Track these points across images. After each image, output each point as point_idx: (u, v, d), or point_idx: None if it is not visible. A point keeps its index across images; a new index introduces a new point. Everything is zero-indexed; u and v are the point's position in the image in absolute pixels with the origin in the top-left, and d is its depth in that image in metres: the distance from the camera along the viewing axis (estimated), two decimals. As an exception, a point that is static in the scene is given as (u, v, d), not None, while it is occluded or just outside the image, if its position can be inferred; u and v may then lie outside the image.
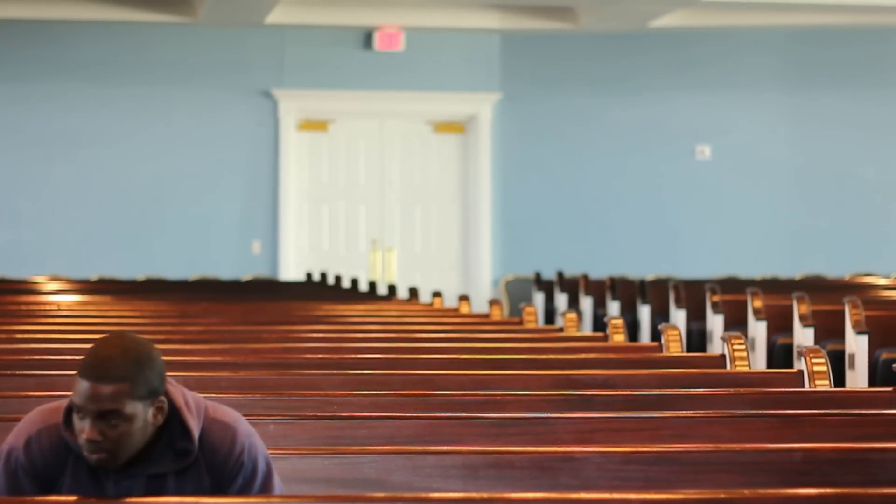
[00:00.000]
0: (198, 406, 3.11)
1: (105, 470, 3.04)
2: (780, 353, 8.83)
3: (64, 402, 3.10)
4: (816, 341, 8.21)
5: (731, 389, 4.58)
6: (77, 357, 5.08)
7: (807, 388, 4.75)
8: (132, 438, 2.99)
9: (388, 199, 14.47)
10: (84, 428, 2.98)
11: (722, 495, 3.14)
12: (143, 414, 2.99)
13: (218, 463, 3.08)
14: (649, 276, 12.97)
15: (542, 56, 14.39)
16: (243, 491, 3.10)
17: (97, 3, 13.26)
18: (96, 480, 3.05)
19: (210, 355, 5.52)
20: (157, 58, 13.92)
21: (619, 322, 6.40)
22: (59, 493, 3.05)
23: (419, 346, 6.06)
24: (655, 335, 10.13)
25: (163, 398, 3.03)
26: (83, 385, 2.97)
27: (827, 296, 9.26)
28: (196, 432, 3.06)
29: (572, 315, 7.09)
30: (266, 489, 3.14)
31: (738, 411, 4.12)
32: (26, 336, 6.40)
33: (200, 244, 13.97)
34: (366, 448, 3.56)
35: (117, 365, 2.97)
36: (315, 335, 6.57)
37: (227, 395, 4.32)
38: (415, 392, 4.48)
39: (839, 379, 7.59)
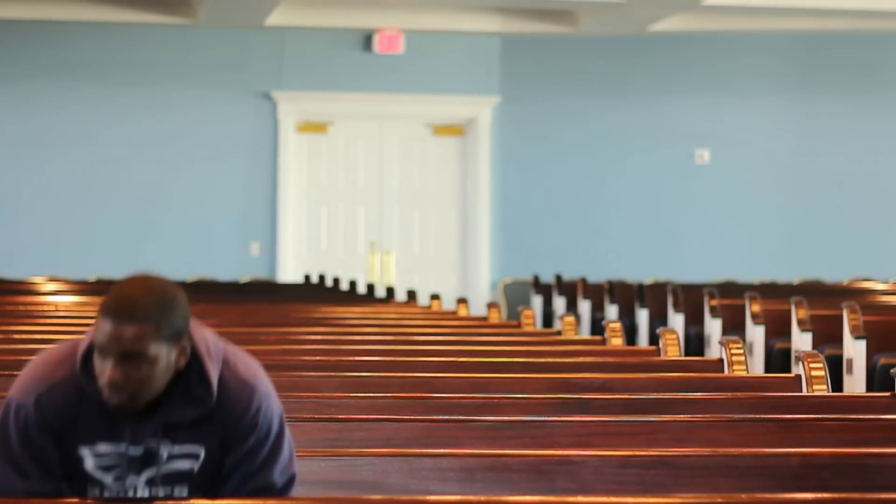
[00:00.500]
0: (217, 354, 3.03)
1: (121, 417, 2.98)
2: (778, 358, 8.83)
3: (69, 349, 3.03)
4: (814, 346, 8.22)
5: (729, 394, 4.58)
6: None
7: (804, 392, 4.75)
8: (154, 381, 2.92)
9: (386, 201, 14.47)
10: (105, 369, 2.90)
11: (719, 499, 3.14)
12: (166, 357, 2.91)
13: (232, 420, 3.02)
14: (648, 280, 12.97)
15: (541, 59, 14.40)
16: (254, 450, 3.05)
17: (97, 4, 13.26)
18: (111, 427, 3.00)
19: (208, 357, 5.50)
20: (156, 59, 13.92)
21: (617, 326, 6.39)
22: (72, 440, 2.99)
23: (417, 348, 6.06)
24: (653, 339, 10.14)
25: (186, 341, 2.96)
26: (106, 325, 2.88)
27: (825, 300, 9.26)
28: (215, 381, 2.99)
29: (570, 318, 7.09)
30: (277, 448, 3.08)
31: (736, 416, 4.13)
32: (24, 337, 6.40)
33: (199, 245, 13.97)
34: (363, 450, 3.56)
35: (142, 305, 2.89)
36: (313, 337, 6.57)
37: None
38: (412, 395, 4.48)
39: (837, 384, 7.59)
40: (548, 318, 12.77)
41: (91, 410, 3.00)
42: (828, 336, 8.25)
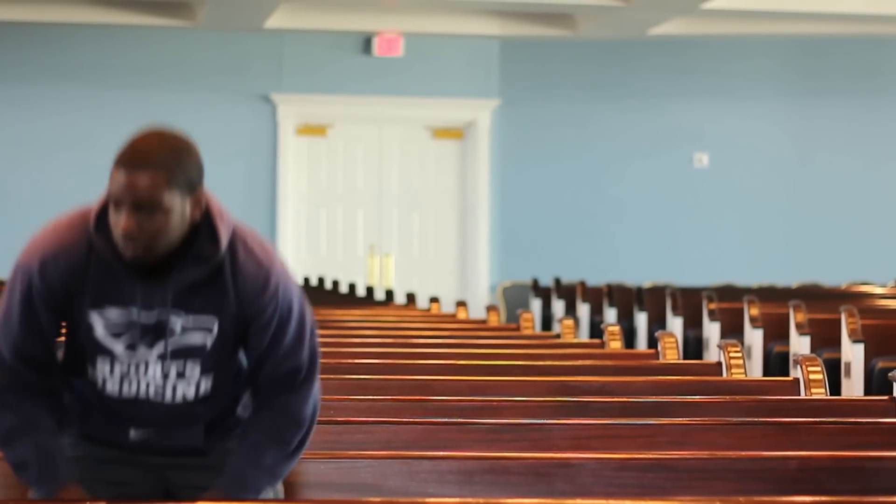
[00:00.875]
0: (228, 220, 3.02)
1: (131, 280, 2.96)
2: (777, 362, 8.84)
3: (79, 213, 3.03)
4: (812, 350, 8.22)
5: (728, 397, 4.59)
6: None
7: (803, 396, 4.76)
8: (169, 232, 2.90)
9: (386, 204, 14.48)
10: (120, 221, 2.89)
11: (717, 502, 3.15)
12: (180, 207, 2.90)
13: (251, 301, 3.00)
14: (646, 283, 12.98)
15: (540, 63, 14.41)
16: (279, 333, 3.04)
17: (97, 7, 13.27)
18: (121, 291, 2.97)
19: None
20: (156, 61, 13.93)
21: (616, 329, 6.41)
22: (80, 305, 2.98)
23: (416, 351, 6.07)
24: (652, 342, 10.15)
25: (201, 193, 2.94)
26: (120, 175, 2.89)
27: (823, 304, 9.27)
28: (224, 240, 2.97)
29: (569, 321, 7.10)
30: (301, 328, 3.07)
31: (734, 419, 4.13)
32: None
33: (198, 248, 13.95)
34: (362, 453, 3.56)
35: (154, 154, 2.88)
36: (312, 340, 6.56)
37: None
38: (412, 397, 4.48)
39: (835, 387, 7.60)
40: (547, 321, 12.78)
41: (100, 273, 2.98)
42: (826, 340, 8.25)
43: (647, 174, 14.45)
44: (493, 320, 8.22)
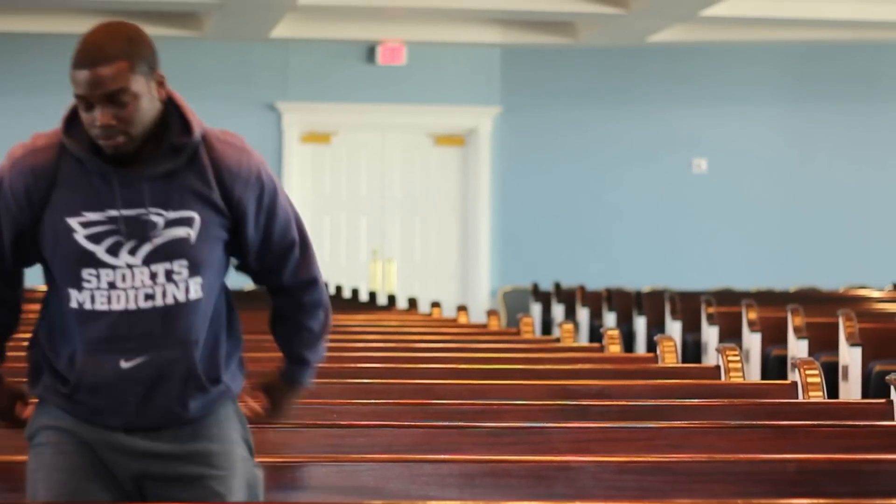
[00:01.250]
0: (198, 118, 3.10)
1: (105, 178, 2.98)
2: (775, 365, 8.87)
3: (53, 129, 3.06)
4: (810, 353, 8.24)
5: (726, 400, 4.62)
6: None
7: (800, 399, 4.79)
8: (143, 115, 2.96)
9: (388, 210, 14.52)
10: (94, 117, 2.93)
11: (714, 504, 3.19)
12: (147, 89, 2.98)
13: (237, 191, 3.04)
14: (646, 288, 13.02)
15: (541, 70, 14.45)
16: (271, 214, 3.07)
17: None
18: (95, 193, 2.99)
19: (211, 364, 5.52)
20: (163, 71, 13.94)
21: (616, 333, 6.44)
22: (53, 211, 2.99)
23: (418, 355, 6.10)
24: (651, 346, 10.16)
25: (160, 73, 3.03)
26: (82, 74, 2.93)
27: (821, 308, 9.29)
28: (196, 128, 3.04)
29: (569, 326, 7.14)
30: (289, 205, 3.13)
31: (733, 422, 4.16)
32: (24, 345, 6.42)
33: (201, 254, 13.97)
34: (364, 456, 3.60)
35: (109, 46, 2.94)
36: (315, 345, 6.58)
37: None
38: (413, 401, 4.51)
39: (833, 390, 7.63)
40: (547, 326, 12.81)
41: (72, 175, 3.00)
42: (824, 343, 8.27)
43: (646, 180, 14.49)
44: (494, 325, 8.25)
